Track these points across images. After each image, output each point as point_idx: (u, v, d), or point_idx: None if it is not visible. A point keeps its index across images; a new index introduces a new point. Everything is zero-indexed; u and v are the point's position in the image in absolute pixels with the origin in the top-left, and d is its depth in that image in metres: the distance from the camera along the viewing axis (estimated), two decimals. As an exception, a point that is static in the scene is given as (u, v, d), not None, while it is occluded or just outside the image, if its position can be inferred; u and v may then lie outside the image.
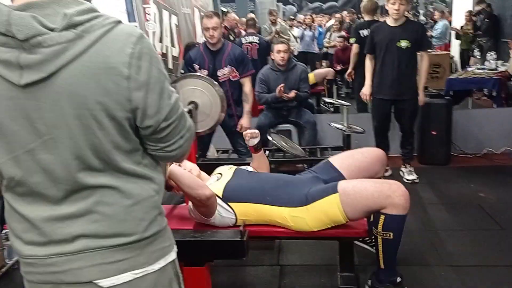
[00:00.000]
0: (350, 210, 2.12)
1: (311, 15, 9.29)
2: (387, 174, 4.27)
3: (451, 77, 5.85)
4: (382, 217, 2.09)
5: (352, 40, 5.71)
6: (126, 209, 1.03)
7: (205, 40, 3.76)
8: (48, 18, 0.90)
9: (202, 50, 3.77)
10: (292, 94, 4.29)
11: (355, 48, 5.00)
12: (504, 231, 3.14)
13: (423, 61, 3.93)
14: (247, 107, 3.85)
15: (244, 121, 3.86)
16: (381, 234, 2.12)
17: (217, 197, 2.23)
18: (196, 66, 3.75)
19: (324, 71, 5.89)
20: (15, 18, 0.88)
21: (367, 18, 5.16)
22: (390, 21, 3.91)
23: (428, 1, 11.40)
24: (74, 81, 0.92)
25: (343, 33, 7.39)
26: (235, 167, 2.52)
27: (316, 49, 8.67)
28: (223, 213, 2.24)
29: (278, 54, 4.37)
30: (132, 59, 0.95)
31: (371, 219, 2.21)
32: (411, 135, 4.14)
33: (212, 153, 4.03)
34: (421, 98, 4.01)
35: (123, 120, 0.98)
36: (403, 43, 3.80)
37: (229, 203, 2.25)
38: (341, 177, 2.39)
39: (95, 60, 0.92)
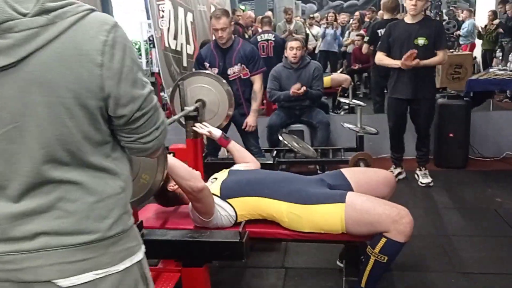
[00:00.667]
0: (352, 224, 2.07)
1: (333, 13, 9.11)
2: (401, 177, 4.18)
3: (471, 78, 5.69)
4: (384, 240, 2.02)
5: (365, 39, 5.61)
6: (89, 206, 1.00)
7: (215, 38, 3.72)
8: (20, 4, 0.88)
9: (212, 48, 3.71)
10: (302, 89, 4.20)
11: (364, 48, 4.89)
12: (521, 238, 3.02)
13: (437, 58, 3.78)
14: (254, 105, 3.77)
15: (250, 119, 3.79)
16: (376, 255, 2.05)
17: (215, 197, 2.19)
18: (207, 65, 3.70)
19: (342, 78, 5.78)
20: None
21: (386, 16, 5.06)
22: (407, 18, 3.81)
23: (451, 0, 11.18)
24: (45, 67, 0.90)
25: (361, 31, 7.26)
26: (229, 169, 2.50)
27: (337, 48, 8.54)
28: (222, 211, 2.21)
29: (290, 51, 4.31)
30: (105, 46, 0.93)
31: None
32: (426, 137, 4.02)
33: (223, 152, 3.99)
34: None
35: (94, 109, 0.96)
36: (420, 40, 3.69)
37: (228, 200, 2.21)
38: (349, 187, 2.33)
39: (67, 46, 0.90)
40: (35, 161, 0.95)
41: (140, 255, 1.11)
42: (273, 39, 5.66)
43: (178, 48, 5.92)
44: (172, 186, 2.33)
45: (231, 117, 3.17)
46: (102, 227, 1.01)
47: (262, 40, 5.63)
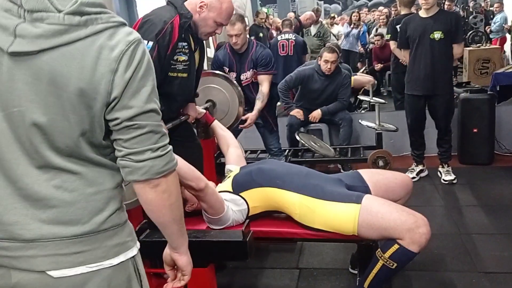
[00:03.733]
0: (365, 227, 2.00)
1: (358, 13, 8.96)
2: (423, 174, 4.07)
3: (497, 71, 5.50)
4: (396, 246, 1.95)
5: (387, 36, 5.49)
6: (87, 197, 1.00)
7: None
8: (60, 1, 0.92)
9: (229, 51, 3.65)
10: (316, 114, 4.31)
11: (392, 44, 4.77)
12: (547, 237, 2.88)
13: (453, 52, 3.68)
14: (259, 105, 3.60)
15: (252, 115, 3.57)
16: (385, 260, 1.98)
17: (227, 193, 2.18)
18: (226, 69, 3.64)
19: (365, 80, 5.65)
20: None
21: (404, 11, 4.94)
22: (422, 12, 3.71)
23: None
24: (62, 62, 0.93)
25: (380, 30, 7.14)
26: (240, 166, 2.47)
27: (359, 48, 8.41)
28: (234, 206, 2.18)
29: (325, 63, 4.23)
30: (123, 55, 0.96)
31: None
32: (447, 133, 3.89)
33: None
34: None
35: (98, 112, 0.97)
36: (436, 35, 3.59)
37: (240, 194, 2.19)
38: (367, 189, 2.27)
39: (89, 49, 0.94)
40: (34, 146, 0.96)
41: (134, 250, 1.10)
42: (294, 38, 5.62)
43: (198, 51, 5.95)
44: (189, 206, 2.34)
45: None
46: (98, 219, 1.01)
47: (282, 39, 5.60)
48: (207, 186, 2.05)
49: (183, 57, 2.31)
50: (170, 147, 1.07)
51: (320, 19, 7.84)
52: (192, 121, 2.73)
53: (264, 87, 3.59)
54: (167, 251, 1.30)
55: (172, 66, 2.28)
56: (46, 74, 0.92)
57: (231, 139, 2.73)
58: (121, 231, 1.06)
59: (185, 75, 2.35)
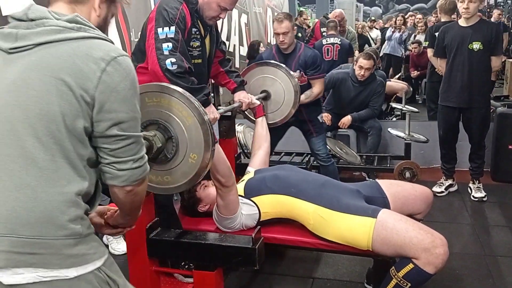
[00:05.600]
0: (380, 242, 1.93)
1: (402, 16, 8.73)
2: (452, 189, 3.92)
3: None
4: (411, 265, 1.86)
5: (425, 43, 5.32)
6: (50, 197, 1.01)
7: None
8: (58, 13, 1.08)
9: (274, 53, 3.48)
10: (346, 120, 4.24)
11: (429, 52, 4.62)
12: None
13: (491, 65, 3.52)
14: (302, 97, 3.38)
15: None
16: (399, 279, 1.89)
17: (239, 197, 2.15)
18: None
19: (398, 86, 5.48)
20: (35, 7, 1.08)
21: (444, 19, 4.77)
22: (461, 21, 3.56)
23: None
24: (54, 56, 1.02)
25: (418, 37, 6.94)
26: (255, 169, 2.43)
27: (401, 53, 8.18)
28: (245, 210, 2.15)
29: (359, 69, 4.13)
30: (113, 61, 1.05)
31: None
32: (480, 148, 3.73)
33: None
34: None
35: (81, 101, 1.02)
36: (475, 45, 3.43)
37: (252, 199, 2.16)
38: (385, 200, 2.20)
39: (82, 48, 1.04)
40: (16, 133, 1.00)
41: (97, 263, 1.08)
42: (339, 42, 5.50)
43: (231, 49, 5.94)
44: (202, 207, 2.33)
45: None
46: (58, 221, 1.01)
47: (327, 44, 5.48)
48: (234, 184, 2.03)
49: (197, 43, 2.32)
50: (146, 157, 1.16)
51: (349, 26, 7.67)
52: (244, 109, 2.76)
53: (316, 89, 3.43)
54: (106, 212, 1.37)
55: (189, 53, 2.27)
56: (37, 65, 1.01)
57: (266, 142, 2.71)
58: (83, 243, 1.06)
59: (199, 61, 2.36)
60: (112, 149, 1.07)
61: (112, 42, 1.11)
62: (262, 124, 2.78)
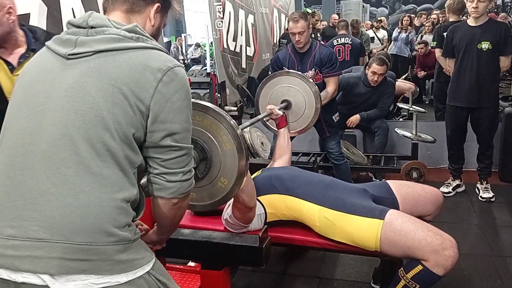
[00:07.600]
0: (387, 244, 1.91)
1: (409, 16, 8.69)
2: (460, 190, 3.90)
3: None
4: (420, 267, 1.84)
5: (433, 43, 5.29)
6: (103, 203, 1.00)
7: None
8: (119, 24, 1.11)
9: (290, 52, 3.50)
10: (354, 119, 4.23)
11: (437, 52, 4.59)
12: None
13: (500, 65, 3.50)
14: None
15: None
16: (408, 280, 1.87)
17: None
18: (286, 70, 3.47)
19: (405, 86, 5.46)
20: (95, 14, 1.11)
21: (452, 18, 4.74)
22: (470, 21, 3.54)
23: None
24: (112, 64, 1.04)
25: (425, 37, 6.90)
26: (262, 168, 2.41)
27: (407, 53, 8.14)
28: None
29: (373, 75, 4.11)
30: (169, 71, 1.07)
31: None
32: (488, 148, 3.70)
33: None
34: None
35: (136, 109, 1.04)
36: (484, 45, 3.41)
37: (257, 198, 2.11)
38: (394, 201, 2.18)
39: (140, 58, 1.06)
40: (71, 138, 1.01)
41: (146, 267, 1.07)
42: (350, 42, 5.48)
43: (237, 50, 5.94)
44: None
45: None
46: (109, 228, 1.00)
47: (338, 44, 5.47)
48: (255, 206, 2.00)
49: None
50: (193, 171, 1.17)
51: (362, 28, 7.64)
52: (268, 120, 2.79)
53: (330, 88, 3.43)
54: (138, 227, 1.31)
55: None
56: (95, 72, 1.03)
57: (286, 153, 2.68)
58: (132, 248, 1.04)
59: None
60: (164, 159, 1.08)
61: (167, 53, 1.13)
62: (284, 135, 2.75)
